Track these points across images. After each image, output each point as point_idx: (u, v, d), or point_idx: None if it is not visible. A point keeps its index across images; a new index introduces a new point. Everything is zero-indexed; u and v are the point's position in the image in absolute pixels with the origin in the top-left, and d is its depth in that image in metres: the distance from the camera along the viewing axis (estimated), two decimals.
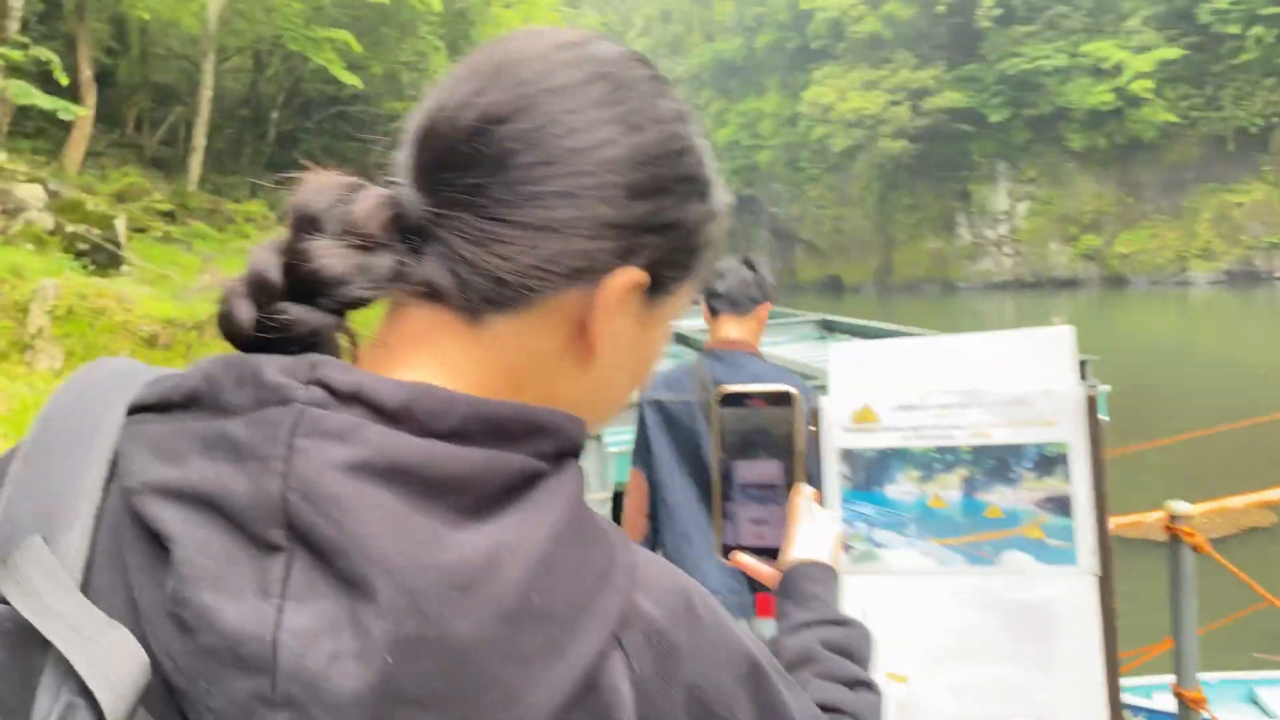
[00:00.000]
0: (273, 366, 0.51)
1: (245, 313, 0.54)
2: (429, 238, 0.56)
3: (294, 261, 0.53)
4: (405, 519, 0.48)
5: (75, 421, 0.55)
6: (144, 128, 21.48)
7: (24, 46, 13.93)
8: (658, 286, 0.60)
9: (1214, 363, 22.52)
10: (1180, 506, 1.82)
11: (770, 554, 1.01)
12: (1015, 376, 1.26)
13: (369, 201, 0.55)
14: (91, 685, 0.46)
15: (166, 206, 16.46)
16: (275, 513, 0.48)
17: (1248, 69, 43.39)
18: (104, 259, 11.40)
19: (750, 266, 2.70)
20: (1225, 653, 5.12)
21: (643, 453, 2.75)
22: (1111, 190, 48.29)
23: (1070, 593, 1.21)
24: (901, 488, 1.26)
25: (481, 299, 0.55)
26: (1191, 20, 44.08)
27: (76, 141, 16.47)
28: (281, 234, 0.55)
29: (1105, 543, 1.21)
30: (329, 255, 0.53)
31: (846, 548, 1.27)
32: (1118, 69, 45.07)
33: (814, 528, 0.99)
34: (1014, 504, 1.23)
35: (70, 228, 11.34)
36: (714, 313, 2.71)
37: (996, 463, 1.24)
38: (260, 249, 0.55)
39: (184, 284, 11.71)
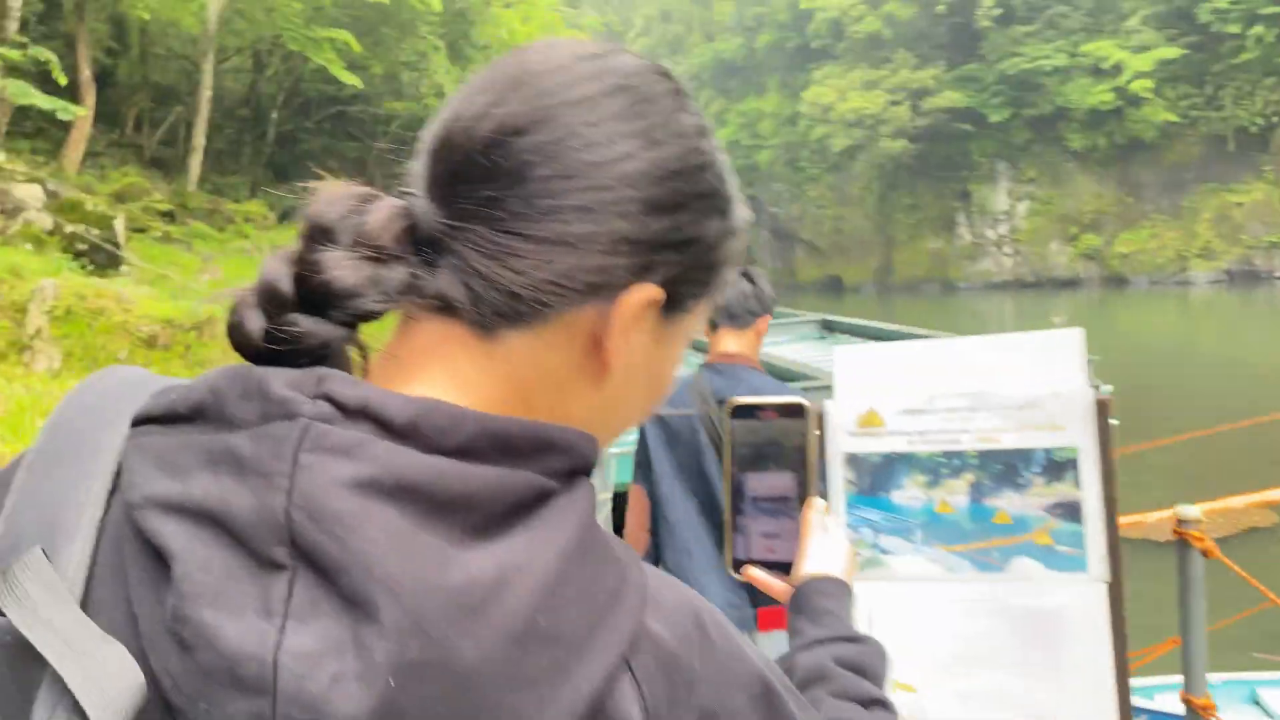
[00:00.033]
0: (279, 380, 0.50)
1: (255, 323, 0.52)
2: (443, 250, 0.54)
3: (305, 273, 0.52)
4: (411, 538, 0.47)
5: (80, 431, 0.55)
6: (143, 128, 21.48)
7: (23, 46, 13.92)
8: (674, 304, 0.59)
9: (1214, 362, 22.52)
10: (1188, 511, 1.80)
11: (782, 568, 0.99)
12: (1023, 379, 1.24)
13: (382, 213, 0.54)
14: (84, 703, 0.45)
15: (166, 206, 16.46)
16: (278, 530, 0.47)
17: (1248, 68, 43.39)
18: (103, 259, 11.38)
19: (749, 279, 2.69)
20: (1227, 653, 5.10)
21: (644, 468, 2.74)
22: (1111, 190, 48.29)
23: (1080, 600, 1.19)
24: (908, 493, 1.25)
25: (495, 313, 0.54)
26: (1191, 20, 44.08)
27: (76, 141, 16.46)
28: (293, 244, 0.54)
29: (1115, 549, 1.20)
30: (341, 267, 0.52)
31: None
32: (1118, 69, 45.08)
33: (827, 542, 0.97)
34: (1023, 510, 1.21)
35: (69, 228, 11.32)
36: (713, 326, 2.70)
37: (1004, 468, 1.22)
38: (272, 259, 0.54)
39: (183, 284, 11.70)
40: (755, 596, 2.56)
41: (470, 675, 0.45)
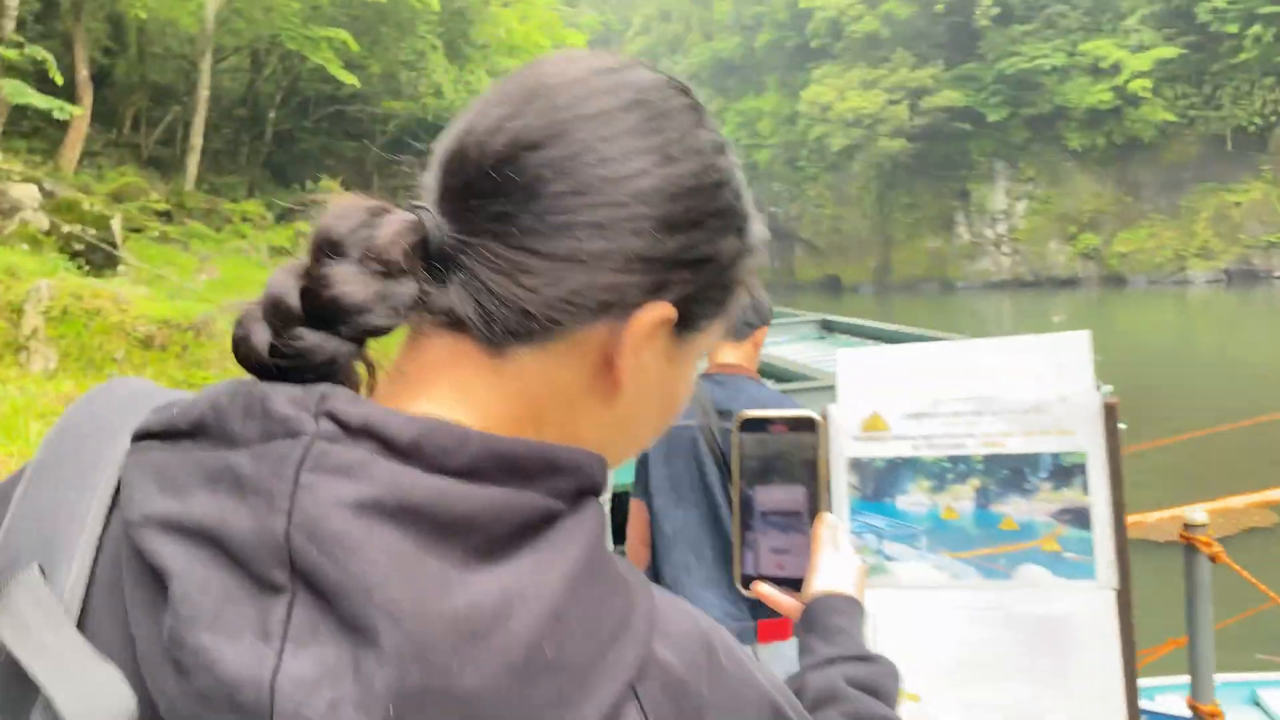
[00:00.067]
0: (281, 397, 0.50)
1: (261, 337, 0.52)
2: (453, 265, 0.54)
3: (313, 287, 0.51)
4: (413, 561, 0.46)
5: (81, 446, 0.54)
6: (141, 127, 21.46)
7: (20, 46, 13.89)
8: (688, 322, 0.58)
9: (1213, 362, 22.54)
10: (1195, 515, 1.76)
11: (792, 584, 0.98)
12: (1030, 383, 1.22)
13: (393, 227, 0.53)
14: None
15: (163, 206, 16.44)
16: (278, 551, 0.46)
17: (1246, 68, 43.41)
18: (100, 259, 11.36)
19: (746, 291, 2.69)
20: (1227, 654, 5.08)
21: (643, 482, 2.73)
22: (1110, 189, 48.31)
23: (1088, 608, 1.17)
24: (912, 498, 1.22)
25: (505, 330, 0.53)
26: (1190, 19, 44.10)
27: (73, 141, 16.44)
28: (301, 257, 0.54)
29: (1124, 555, 1.18)
30: (349, 282, 0.51)
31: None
32: (1116, 68, 45.08)
33: (838, 558, 0.96)
34: (1029, 516, 1.19)
35: (66, 228, 11.30)
36: None
37: (1011, 473, 1.20)
38: (280, 272, 0.53)
39: (181, 284, 11.67)
40: (755, 609, 2.54)
41: (472, 703, 0.44)
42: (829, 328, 7.61)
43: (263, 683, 0.44)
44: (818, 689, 0.81)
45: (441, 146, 0.57)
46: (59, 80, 14.10)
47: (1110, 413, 1.18)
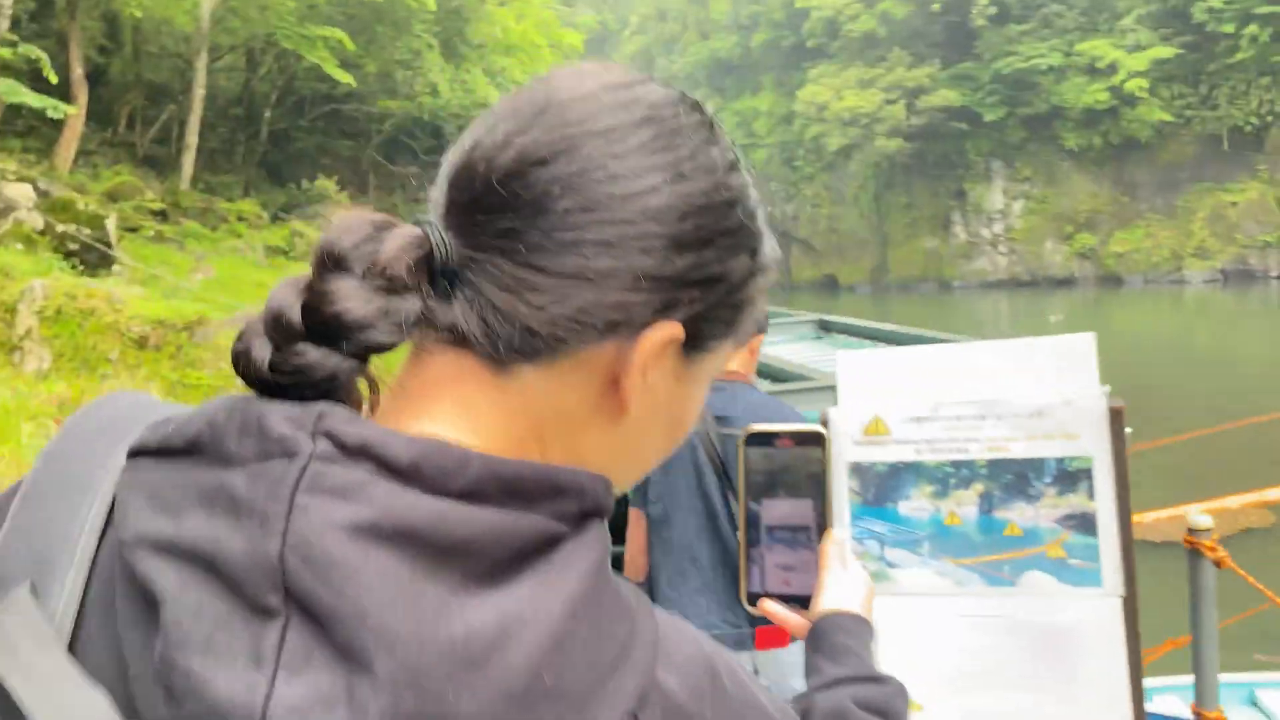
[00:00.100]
0: (278, 415, 0.49)
1: (262, 352, 0.51)
2: (459, 281, 0.53)
3: (314, 303, 0.50)
4: (410, 586, 0.45)
5: (77, 462, 0.54)
6: (136, 126, 21.42)
7: (14, 44, 13.85)
8: (697, 343, 0.57)
9: (1210, 362, 22.57)
10: (1199, 519, 1.73)
11: (798, 601, 0.96)
12: (1034, 386, 1.20)
13: (397, 241, 0.52)
14: None
15: (158, 206, 16.41)
16: (272, 574, 0.45)
17: (1242, 68, 43.47)
18: (94, 259, 11.33)
19: None
20: (1225, 654, 5.07)
21: (640, 490, 2.72)
22: (1106, 189, 48.37)
23: (1094, 615, 1.15)
24: (915, 504, 1.20)
25: (510, 348, 0.53)
26: (1186, 19, 44.15)
27: (68, 140, 16.40)
28: (305, 271, 0.53)
29: (1130, 562, 1.16)
30: (352, 297, 0.50)
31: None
32: (1112, 68, 45.13)
33: (846, 576, 0.95)
34: (1034, 522, 1.17)
35: (60, 227, 11.26)
36: None
37: (1015, 478, 1.18)
38: (282, 286, 0.52)
39: (176, 284, 11.64)
40: (753, 616, 2.54)
41: None
42: (826, 328, 7.60)
43: (254, 710, 0.43)
44: (825, 710, 0.80)
45: (449, 160, 0.56)
46: (53, 79, 14.06)
47: (1116, 416, 1.16)
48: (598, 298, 0.52)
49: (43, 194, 12.18)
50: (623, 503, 2.86)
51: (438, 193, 0.56)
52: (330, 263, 0.51)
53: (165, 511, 0.49)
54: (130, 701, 0.46)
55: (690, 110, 0.58)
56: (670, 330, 0.54)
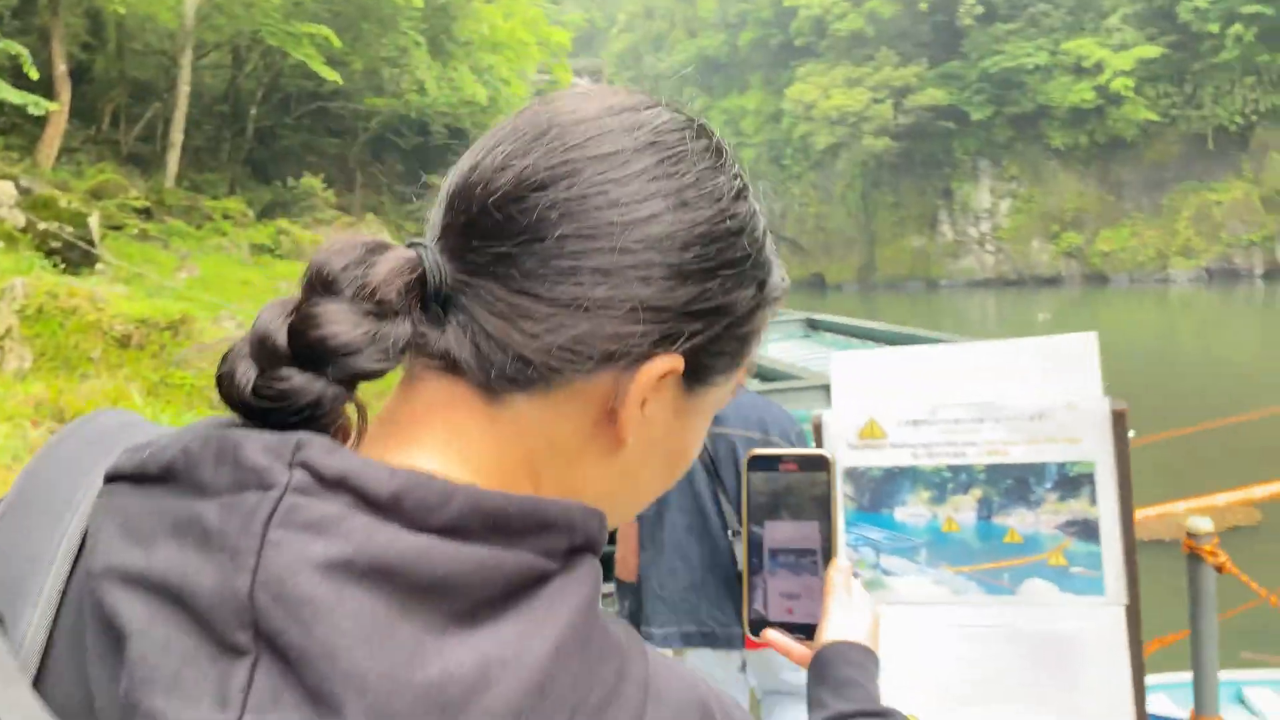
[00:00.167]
0: (255, 445, 0.47)
1: (246, 375, 0.49)
2: (452, 306, 0.52)
3: (300, 326, 0.49)
4: (385, 627, 0.43)
5: (53, 486, 0.53)
6: (121, 124, 21.26)
7: None
8: (698, 375, 0.55)
9: (1195, 360, 22.69)
10: (1200, 524, 1.70)
11: (802, 630, 0.93)
12: (1034, 388, 1.17)
13: (389, 264, 0.50)
14: None
15: (143, 204, 16.30)
16: (241, 612, 0.43)
17: (1227, 67, 43.71)
18: (77, 257, 11.22)
19: None
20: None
21: None
22: (1093, 188, 48.57)
23: (1097, 625, 1.12)
24: (911, 510, 1.17)
25: (502, 376, 0.51)
26: (1171, 18, 44.37)
27: (50, 137, 16.26)
28: (294, 293, 0.52)
29: (1133, 569, 1.12)
30: (339, 322, 0.48)
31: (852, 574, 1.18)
32: (1098, 67, 45.31)
33: (851, 604, 0.92)
34: (1034, 528, 1.13)
35: (42, 225, 11.15)
36: None
37: (1015, 483, 1.14)
38: (270, 307, 0.51)
39: (160, 282, 11.54)
40: (740, 614, 2.55)
41: None
42: (814, 326, 7.60)
43: None
44: None
45: (447, 181, 0.55)
46: (35, 75, 13.92)
47: (1119, 419, 1.13)
48: (594, 328, 0.50)
49: (24, 191, 12.06)
50: None
51: (435, 214, 0.54)
52: (320, 285, 0.49)
53: (137, 542, 0.47)
54: None
55: (697, 135, 0.55)
56: (670, 363, 0.52)
